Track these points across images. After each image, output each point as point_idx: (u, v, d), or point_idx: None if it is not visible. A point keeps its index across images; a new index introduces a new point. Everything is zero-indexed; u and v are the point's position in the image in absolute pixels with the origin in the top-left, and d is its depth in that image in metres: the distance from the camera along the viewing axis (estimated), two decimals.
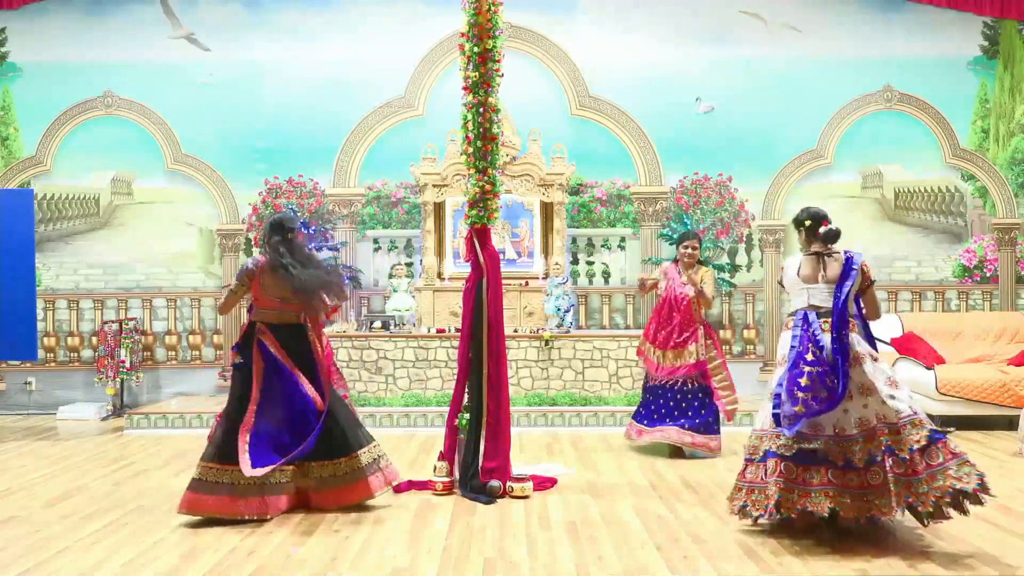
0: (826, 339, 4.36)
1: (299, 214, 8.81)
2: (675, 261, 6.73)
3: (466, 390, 5.47)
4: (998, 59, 9.20)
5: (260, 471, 4.68)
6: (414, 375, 7.92)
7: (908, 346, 8.12)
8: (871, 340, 4.55)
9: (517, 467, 5.54)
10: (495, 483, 5.21)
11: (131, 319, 8.82)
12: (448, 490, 5.33)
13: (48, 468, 6.19)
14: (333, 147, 9.10)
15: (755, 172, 9.11)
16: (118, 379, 8.47)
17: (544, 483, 5.50)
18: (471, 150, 5.42)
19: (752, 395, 8.21)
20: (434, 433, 7.15)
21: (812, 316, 4.47)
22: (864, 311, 4.61)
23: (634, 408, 6.86)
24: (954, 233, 9.21)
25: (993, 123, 9.21)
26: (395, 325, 8.26)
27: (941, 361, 7.90)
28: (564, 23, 9.15)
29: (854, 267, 4.51)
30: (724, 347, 8.94)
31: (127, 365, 8.46)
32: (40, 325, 8.71)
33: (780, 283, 4.98)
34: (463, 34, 5.39)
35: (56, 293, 9.05)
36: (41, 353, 8.77)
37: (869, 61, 9.14)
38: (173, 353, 9.08)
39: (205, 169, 9.08)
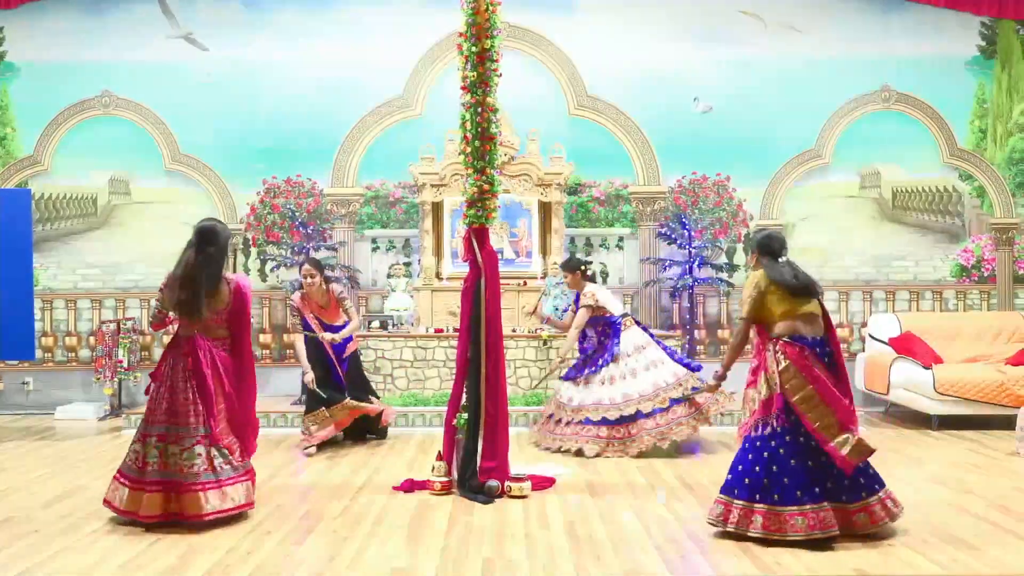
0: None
1: (298, 214, 8.81)
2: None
3: (464, 390, 5.46)
4: (996, 59, 9.21)
5: None
6: (412, 375, 7.92)
7: (906, 346, 8.13)
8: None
9: (515, 467, 5.55)
10: (493, 483, 5.21)
11: (129, 319, 8.81)
12: (446, 490, 5.33)
13: (46, 468, 6.18)
14: (331, 147, 9.09)
15: (753, 172, 9.12)
16: (116, 379, 8.45)
17: (543, 483, 5.50)
18: (469, 150, 5.42)
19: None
20: (432, 433, 7.15)
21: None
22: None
23: None
24: (952, 233, 9.22)
25: (991, 123, 9.22)
26: (393, 325, 8.26)
27: (939, 361, 7.91)
28: (563, 23, 9.14)
29: None
30: (721, 345, 8.96)
31: (125, 365, 8.45)
32: (38, 325, 8.71)
33: (594, 302, 6.60)
34: (461, 34, 5.38)
35: (54, 293, 9.04)
36: (39, 353, 8.77)
37: (867, 61, 9.15)
38: None
39: (203, 169, 9.07)
